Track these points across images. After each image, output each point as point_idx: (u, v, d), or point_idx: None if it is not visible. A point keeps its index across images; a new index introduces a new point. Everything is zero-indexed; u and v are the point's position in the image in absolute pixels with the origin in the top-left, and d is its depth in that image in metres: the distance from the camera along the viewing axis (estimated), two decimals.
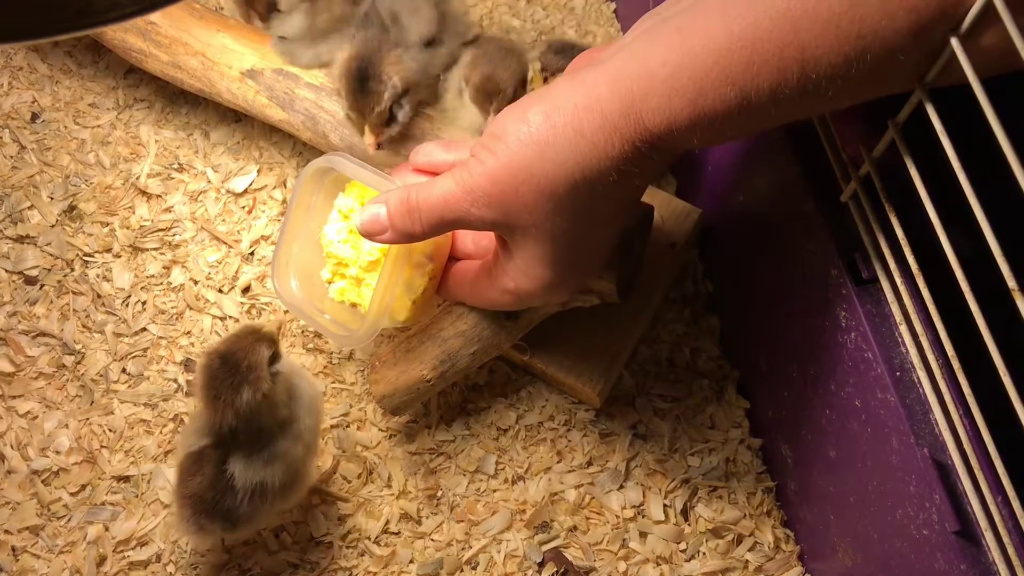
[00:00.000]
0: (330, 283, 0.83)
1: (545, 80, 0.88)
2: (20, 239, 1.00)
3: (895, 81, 0.55)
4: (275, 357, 0.74)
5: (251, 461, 0.74)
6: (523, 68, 0.88)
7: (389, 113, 0.87)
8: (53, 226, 1.01)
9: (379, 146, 0.88)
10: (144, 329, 0.96)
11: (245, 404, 0.72)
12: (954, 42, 0.50)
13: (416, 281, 0.78)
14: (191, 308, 0.97)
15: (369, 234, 0.71)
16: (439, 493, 0.88)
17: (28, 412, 0.92)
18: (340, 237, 0.81)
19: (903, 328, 0.65)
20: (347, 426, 0.91)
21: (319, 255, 0.83)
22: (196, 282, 0.98)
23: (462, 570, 0.85)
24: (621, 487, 0.88)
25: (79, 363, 0.94)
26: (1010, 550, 0.57)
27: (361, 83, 0.85)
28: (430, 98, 0.91)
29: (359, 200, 0.80)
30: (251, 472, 0.74)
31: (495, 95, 0.85)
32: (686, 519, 0.87)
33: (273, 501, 0.77)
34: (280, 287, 0.81)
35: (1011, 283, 0.50)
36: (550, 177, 0.62)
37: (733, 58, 0.55)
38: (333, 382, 0.93)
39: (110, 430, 0.91)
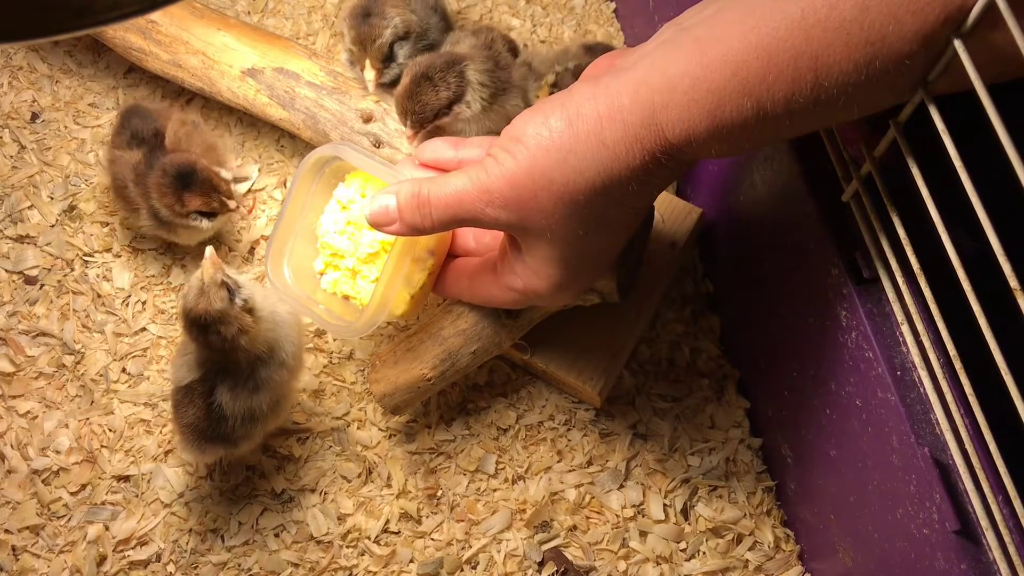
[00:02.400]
0: (322, 274, 0.83)
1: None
2: (20, 239, 1.00)
3: (903, 88, 0.56)
4: (231, 292, 0.76)
5: (237, 392, 0.78)
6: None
7: (389, 51, 0.89)
8: (53, 226, 1.00)
9: (380, 86, 0.91)
10: (144, 329, 0.96)
11: (229, 343, 0.76)
12: (956, 42, 0.51)
13: (416, 276, 0.78)
14: None
15: (377, 225, 0.71)
16: (439, 493, 0.88)
17: (28, 412, 0.92)
18: (337, 228, 0.81)
19: (904, 327, 0.65)
20: (347, 426, 0.91)
21: (312, 245, 0.82)
22: None
23: (462, 569, 0.85)
24: (621, 487, 0.88)
25: (79, 363, 0.94)
26: (1011, 549, 0.57)
27: (364, 17, 0.89)
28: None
29: (360, 191, 0.80)
30: (239, 401, 0.78)
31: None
32: (686, 518, 0.87)
33: (264, 422, 0.81)
34: (274, 276, 0.81)
35: (1013, 282, 0.50)
36: (570, 184, 0.62)
37: (750, 69, 0.55)
38: (333, 381, 0.93)
39: (110, 430, 0.91)
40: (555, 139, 0.62)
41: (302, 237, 0.82)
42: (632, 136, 0.60)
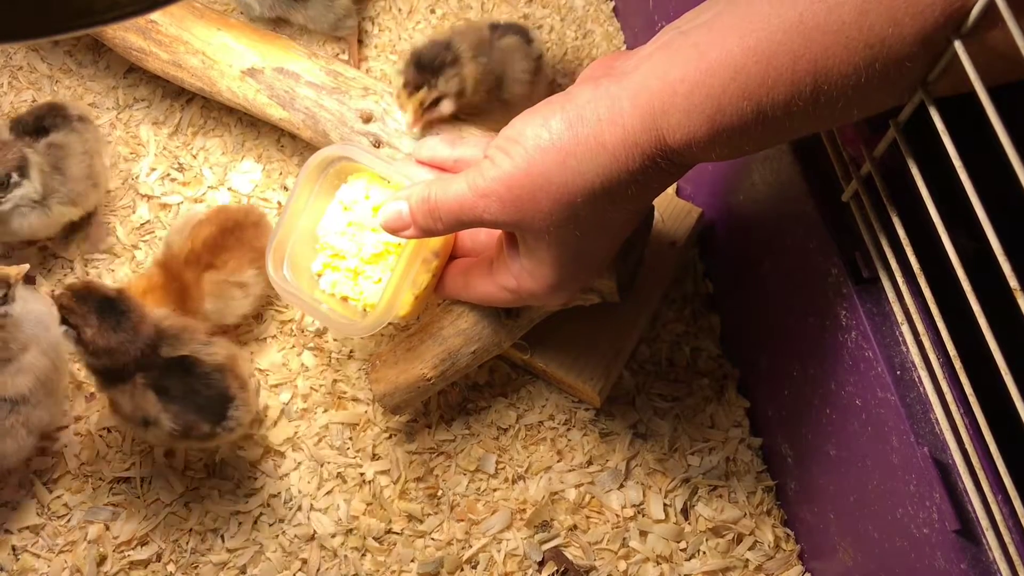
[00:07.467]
0: (319, 276, 0.82)
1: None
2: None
3: (904, 89, 0.56)
4: (6, 299, 0.80)
5: None
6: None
7: (433, 102, 0.88)
8: None
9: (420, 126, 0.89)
10: None
11: None
12: (956, 42, 0.51)
13: (420, 277, 0.78)
14: None
15: (392, 230, 0.72)
16: (439, 492, 0.88)
17: None
18: (338, 229, 0.80)
19: (904, 327, 0.65)
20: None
21: (310, 246, 0.82)
22: None
23: (462, 569, 0.85)
24: (621, 486, 0.89)
25: (79, 363, 0.94)
26: (1011, 549, 0.57)
27: (419, 68, 0.86)
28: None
29: (364, 193, 0.80)
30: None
31: None
32: (686, 518, 0.87)
33: (29, 413, 0.82)
34: (275, 274, 0.81)
35: (1012, 282, 0.50)
36: (569, 186, 0.62)
37: (749, 73, 0.56)
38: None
39: (110, 430, 0.91)
40: (555, 141, 0.62)
41: (301, 238, 0.82)
42: (632, 140, 0.60)
